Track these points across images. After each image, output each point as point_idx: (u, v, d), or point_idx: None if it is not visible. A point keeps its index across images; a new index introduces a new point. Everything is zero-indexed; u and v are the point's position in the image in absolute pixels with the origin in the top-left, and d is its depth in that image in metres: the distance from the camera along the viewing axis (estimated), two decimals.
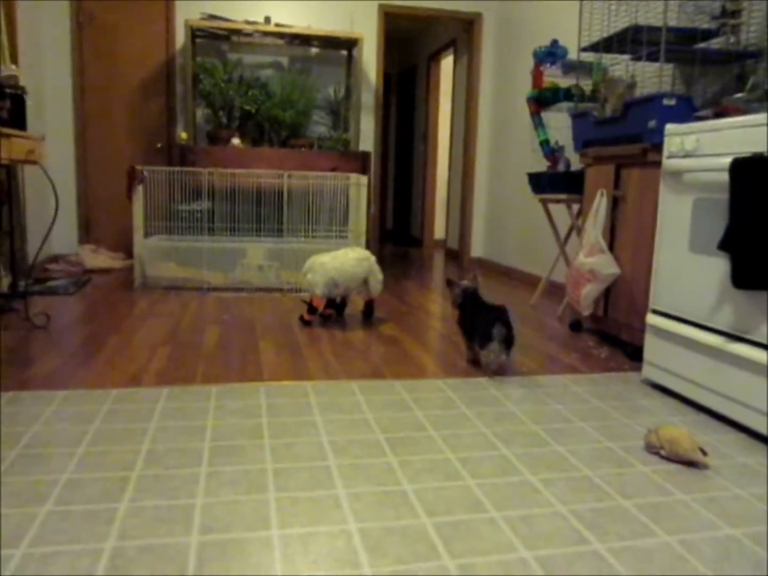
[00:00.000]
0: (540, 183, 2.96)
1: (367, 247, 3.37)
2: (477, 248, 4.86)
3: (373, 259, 2.66)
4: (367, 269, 2.61)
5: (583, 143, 2.52)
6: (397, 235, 7.02)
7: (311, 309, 2.52)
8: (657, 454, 1.37)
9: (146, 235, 3.24)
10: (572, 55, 3.04)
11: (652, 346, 1.86)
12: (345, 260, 2.51)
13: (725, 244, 1.46)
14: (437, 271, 4.85)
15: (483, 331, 1.89)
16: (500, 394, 1.77)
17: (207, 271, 3.26)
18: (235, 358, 2.05)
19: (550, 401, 1.72)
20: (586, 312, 2.34)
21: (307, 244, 3.22)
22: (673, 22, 2.26)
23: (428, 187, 5.98)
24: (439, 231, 6.00)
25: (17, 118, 2.26)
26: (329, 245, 3.30)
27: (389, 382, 1.84)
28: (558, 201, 2.88)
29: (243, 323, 2.58)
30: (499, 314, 1.87)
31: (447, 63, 5.69)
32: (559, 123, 3.26)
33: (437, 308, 3.20)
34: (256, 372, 1.90)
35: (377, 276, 2.67)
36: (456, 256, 5.11)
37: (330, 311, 2.68)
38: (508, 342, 1.87)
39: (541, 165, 3.38)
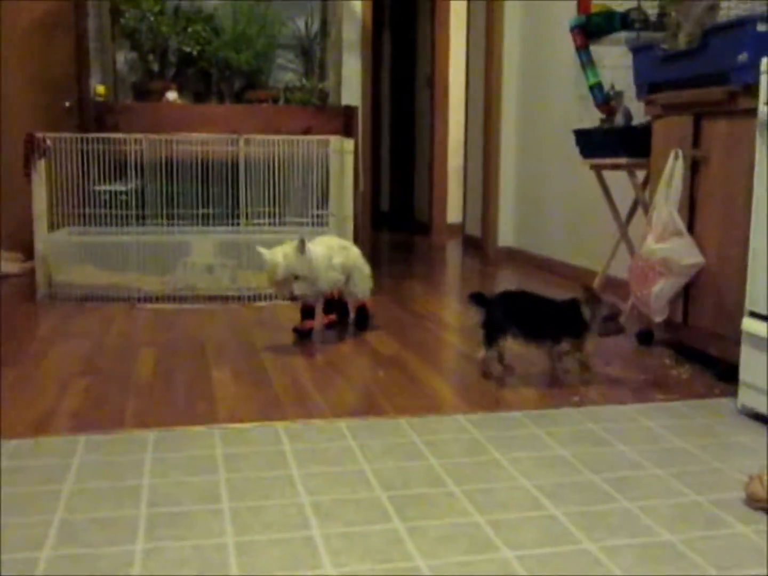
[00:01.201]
0: (591, 143, 2.98)
1: (357, 236, 3.38)
2: (506, 235, 4.91)
3: (355, 249, 2.81)
4: (353, 259, 2.74)
5: (648, 87, 2.53)
6: (396, 219, 7.04)
7: (307, 313, 2.66)
8: (763, 509, 1.37)
9: (52, 227, 3.26)
10: None
11: (750, 363, 1.84)
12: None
13: None
14: (452, 266, 4.85)
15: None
16: (544, 433, 1.78)
17: (137, 274, 3.29)
18: (180, 393, 2.07)
19: (614, 441, 1.72)
20: (658, 318, 2.34)
21: (275, 234, 3.24)
22: None
23: (437, 153, 6.00)
24: (453, 213, 6.04)
25: None
26: (303, 235, 3.36)
27: (392, 419, 1.86)
28: (616, 167, 2.91)
29: (188, 344, 2.62)
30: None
31: None
32: (615, 60, 3.27)
33: (453, 316, 3.20)
34: (208, 410, 1.91)
35: (363, 269, 2.79)
36: (477, 245, 5.14)
37: (332, 318, 2.79)
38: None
39: (592, 119, 3.33)
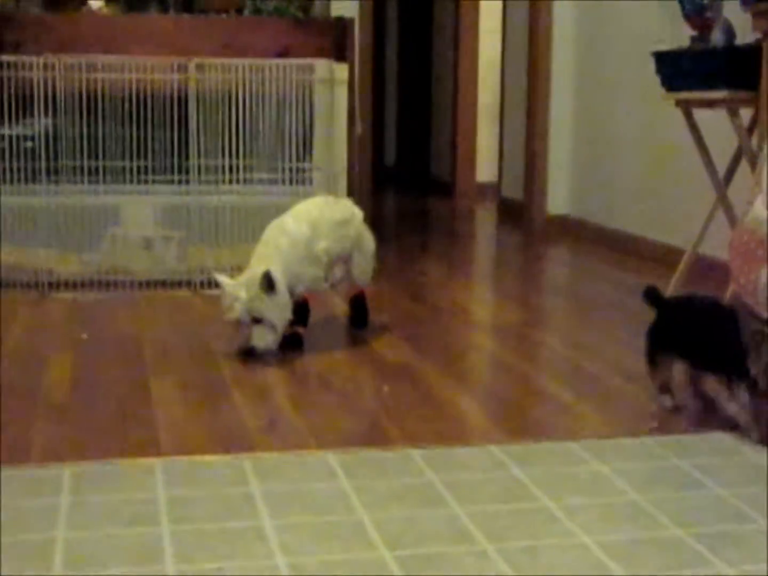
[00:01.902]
0: (678, 70, 2.97)
1: (350, 197, 3.38)
2: (558, 199, 4.96)
3: (360, 217, 2.85)
4: (353, 238, 2.78)
5: None
6: (406, 177, 7.17)
7: (302, 315, 2.68)
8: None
9: None
10: None
11: None
12: (323, 218, 2.69)
13: None
14: (483, 241, 5.01)
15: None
16: (610, 470, 1.79)
17: (47, 251, 3.31)
18: (106, 414, 2.09)
19: (708, 482, 1.74)
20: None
21: (238, 195, 3.29)
22: None
23: (463, 86, 6.08)
24: (484, 168, 6.14)
25: None
26: (278, 196, 3.36)
27: (400, 451, 1.88)
28: (712, 103, 2.91)
29: (119, 348, 2.67)
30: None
31: None
32: None
33: (485, 310, 3.29)
34: (145, 438, 1.93)
35: (368, 248, 2.85)
36: (518, 213, 5.19)
37: (297, 331, 2.73)
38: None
39: (679, 37, 3.29)
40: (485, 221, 5.40)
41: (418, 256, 4.27)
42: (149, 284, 3.40)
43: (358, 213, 2.85)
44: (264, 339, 2.51)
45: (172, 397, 2.22)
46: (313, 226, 2.67)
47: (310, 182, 3.50)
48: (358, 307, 2.91)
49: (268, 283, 2.46)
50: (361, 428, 2.06)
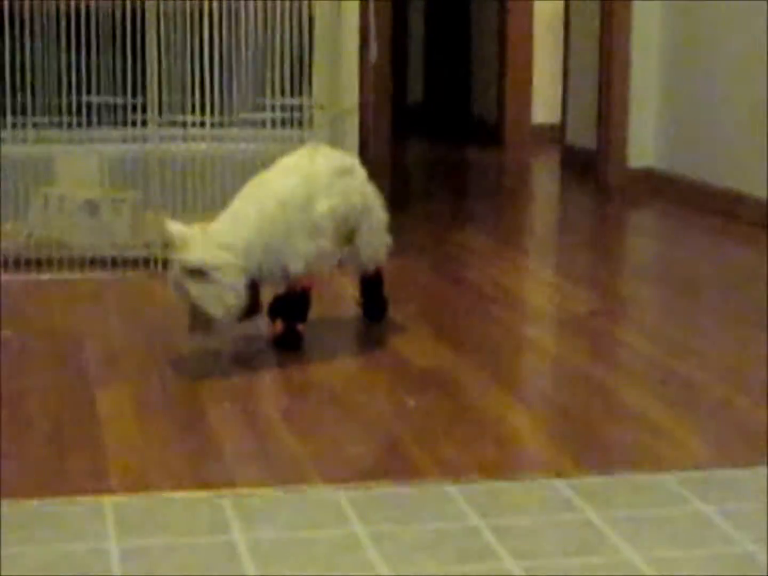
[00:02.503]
0: None
1: (364, 149, 3.45)
2: (642, 148, 5.00)
3: (363, 174, 2.85)
4: (359, 199, 2.79)
5: None
6: (437, 118, 7.17)
7: (291, 309, 2.70)
8: None
9: None
10: None
11: None
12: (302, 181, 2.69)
13: None
14: (542, 202, 5.09)
15: None
16: (715, 512, 1.77)
17: None
18: (39, 438, 2.09)
19: None
20: None
21: (213, 142, 3.31)
22: None
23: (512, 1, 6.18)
24: (543, 108, 6.22)
25: None
26: (265, 142, 3.39)
27: (432, 486, 1.89)
28: None
29: (54, 349, 2.68)
30: None
31: None
32: None
33: (541, 293, 3.34)
34: (89, 469, 1.94)
35: (378, 215, 2.86)
36: (589, 165, 5.25)
37: (279, 328, 2.77)
38: None
39: None
40: (544, 176, 5.48)
41: (454, 223, 4.30)
42: (94, 263, 3.40)
43: (360, 168, 2.85)
44: (201, 294, 2.47)
45: (125, 415, 2.22)
46: (309, 181, 2.68)
47: (309, 125, 3.52)
48: (373, 292, 2.92)
49: (194, 271, 2.47)
50: (379, 456, 2.07)
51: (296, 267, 2.63)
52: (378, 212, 2.86)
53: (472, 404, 2.36)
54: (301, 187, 2.66)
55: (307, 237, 2.64)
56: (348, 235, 2.74)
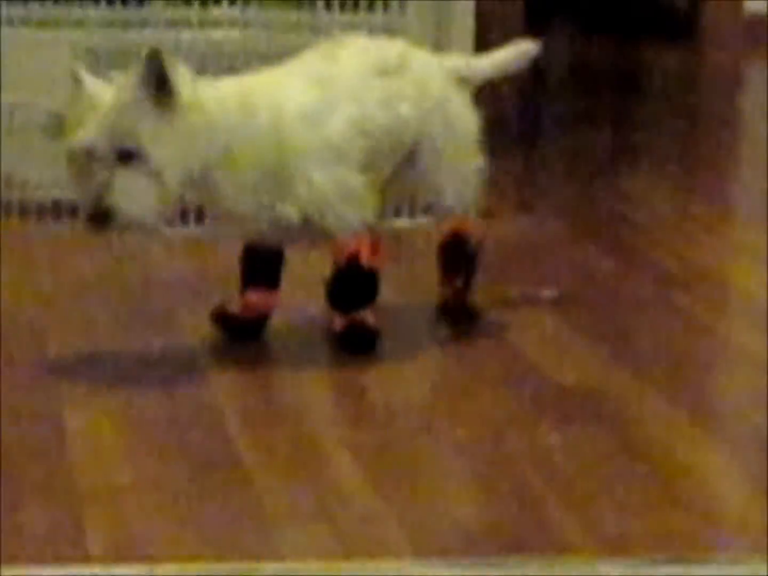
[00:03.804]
0: None
1: (482, 45, 3.11)
2: None
3: (440, 72, 2.56)
4: (416, 113, 2.48)
5: None
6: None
7: (344, 291, 2.46)
8: None
9: None
10: None
11: None
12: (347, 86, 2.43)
13: None
14: (756, 133, 4.60)
15: None
16: None
17: None
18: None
19: None
20: None
21: (241, 28, 3.24)
22: None
23: None
24: None
25: None
26: (315, 32, 3.24)
27: (585, 564, 1.63)
28: None
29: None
30: None
31: None
32: None
33: (755, 279, 2.94)
34: (61, 521, 1.70)
35: (463, 131, 2.55)
36: None
37: (341, 321, 2.46)
38: None
39: None
40: (761, 90, 5.16)
41: (618, 164, 3.98)
42: (59, 207, 3.14)
43: (421, 61, 2.51)
44: (134, 195, 2.19)
45: (106, 446, 1.97)
46: (324, 84, 2.38)
47: (400, 7, 3.23)
48: (453, 263, 2.54)
49: (157, 77, 2.16)
50: (501, 520, 1.73)
51: (305, 211, 2.31)
52: (461, 129, 2.49)
53: (647, 444, 2.01)
54: (312, 93, 2.36)
55: (320, 164, 2.33)
56: (401, 167, 2.48)
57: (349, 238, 2.36)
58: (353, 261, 2.34)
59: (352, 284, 2.38)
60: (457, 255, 2.56)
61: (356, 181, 2.35)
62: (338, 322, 2.41)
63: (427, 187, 2.54)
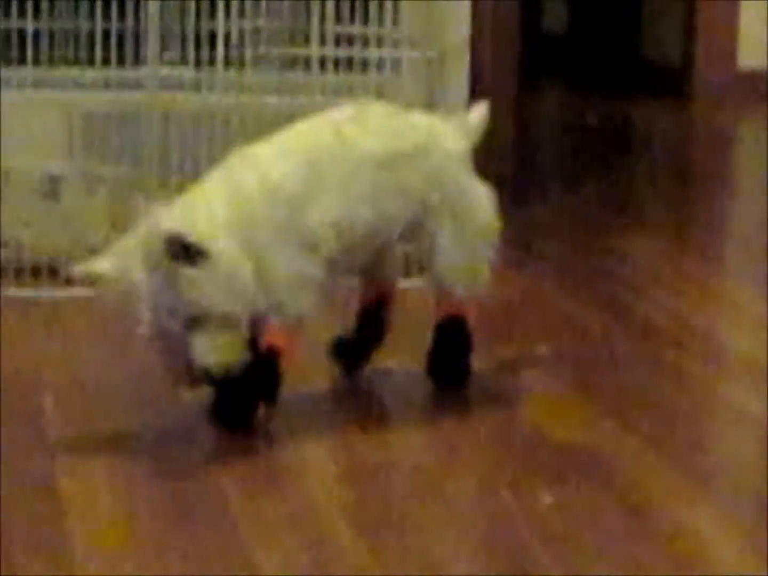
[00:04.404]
0: None
1: (474, 99, 3.10)
2: None
3: (455, 150, 2.53)
4: (434, 190, 2.47)
5: None
6: (589, 57, 7.16)
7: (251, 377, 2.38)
8: None
9: None
10: None
11: None
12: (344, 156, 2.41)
13: None
14: (753, 190, 4.60)
15: None
16: None
17: None
18: None
19: None
20: None
21: (238, 92, 3.18)
22: None
23: None
24: (751, 47, 6.17)
25: None
26: (314, 94, 3.23)
27: None
28: None
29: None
30: None
31: None
32: None
33: (745, 335, 3.01)
34: None
35: (474, 213, 2.54)
36: None
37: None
38: None
39: None
40: (755, 148, 5.14)
41: (609, 220, 4.01)
42: (52, 272, 3.08)
43: (456, 154, 2.48)
44: (218, 348, 2.19)
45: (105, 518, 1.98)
46: (313, 167, 2.34)
47: (393, 67, 3.22)
48: (448, 340, 2.50)
49: (180, 248, 2.13)
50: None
51: (266, 301, 2.32)
52: (473, 219, 2.47)
53: (640, 501, 2.03)
54: (297, 178, 2.34)
55: (294, 251, 2.35)
56: (378, 259, 2.52)
57: (289, 333, 2.37)
58: (276, 355, 2.35)
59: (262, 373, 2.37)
60: (447, 332, 2.56)
61: (317, 273, 2.34)
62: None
63: (435, 268, 2.52)
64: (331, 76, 3.19)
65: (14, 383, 2.48)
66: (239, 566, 1.82)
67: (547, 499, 2.00)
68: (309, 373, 2.53)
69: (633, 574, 1.76)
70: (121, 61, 3.20)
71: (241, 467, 2.20)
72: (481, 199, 2.51)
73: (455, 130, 2.56)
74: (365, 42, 3.22)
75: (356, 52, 3.22)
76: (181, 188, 2.74)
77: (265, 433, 2.36)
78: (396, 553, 1.84)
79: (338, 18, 3.20)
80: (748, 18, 6.09)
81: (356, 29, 3.22)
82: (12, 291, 3.07)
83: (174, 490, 2.12)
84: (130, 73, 3.21)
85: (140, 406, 2.46)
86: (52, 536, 1.87)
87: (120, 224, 2.88)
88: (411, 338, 2.69)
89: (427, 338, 2.59)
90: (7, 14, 3.19)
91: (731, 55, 6.05)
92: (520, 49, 4.74)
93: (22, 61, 3.20)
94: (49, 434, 2.27)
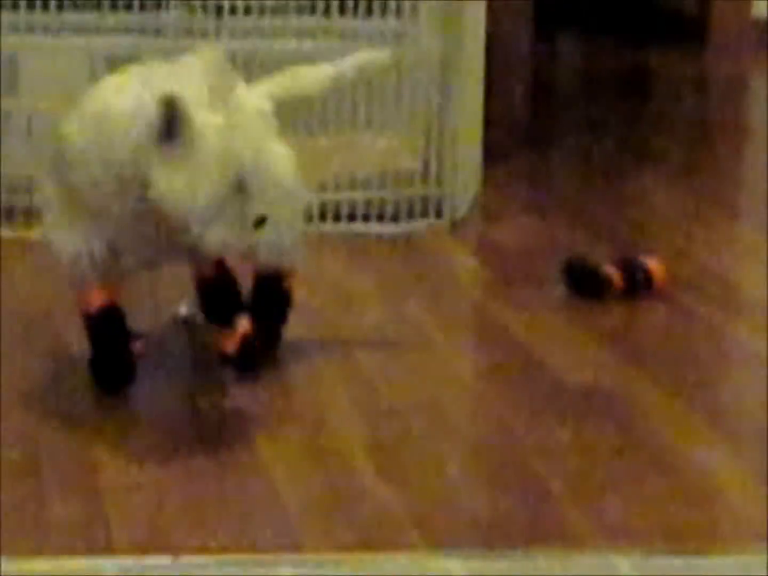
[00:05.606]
0: None
1: (489, 51, 3.20)
2: None
3: (252, 104, 2.35)
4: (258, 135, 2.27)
5: None
6: (603, 4, 7.20)
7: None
8: None
9: None
10: None
11: None
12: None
13: None
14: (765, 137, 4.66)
15: None
16: None
17: None
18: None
19: None
20: None
21: (265, 38, 3.25)
22: None
23: None
24: None
25: None
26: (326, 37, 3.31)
27: (594, 556, 1.71)
28: None
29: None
30: None
31: None
32: None
33: (762, 280, 2.99)
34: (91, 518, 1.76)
35: (276, 172, 2.37)
36: None
37: (245, 333, 2.42)
38: None
39: None
40: None
41: (624, 166, 3.98)
42: None
43: (249, 96, 2.29)
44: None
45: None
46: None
47: (411, 14, 3.22)
48: (266, 307, 2.43)
49: (169, 118, 1.93)
50: (511, 514, 1.81)
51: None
52: (275, 163, 2.32)
53: (655, 441, 2.08)
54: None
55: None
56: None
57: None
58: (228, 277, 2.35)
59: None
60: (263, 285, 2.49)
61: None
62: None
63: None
64: (350, 21, 3.22)
65: (24, 314, 2.52)
66: (258, 492, 1.91)
67: (561, 435, 2.07)
68: (328, 319, 2.61)
69: (646, 509, 1.82)
70: (143, 6, 3.24)
71: (263, 412, 2.24)
72: (280, 158, 2.40)
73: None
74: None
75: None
76: None
77: (285, 376, 2.39)
78: (414, 489, 1.90)
79: None
80: None
81: None
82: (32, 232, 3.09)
83: (199, 431, 2.17)
84: (152, 18, 3.25)
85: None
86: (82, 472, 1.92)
87: None
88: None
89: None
90: None
91: (747, 3, 6.02)
92: None
93: (45, 6, 3.22)
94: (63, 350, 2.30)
